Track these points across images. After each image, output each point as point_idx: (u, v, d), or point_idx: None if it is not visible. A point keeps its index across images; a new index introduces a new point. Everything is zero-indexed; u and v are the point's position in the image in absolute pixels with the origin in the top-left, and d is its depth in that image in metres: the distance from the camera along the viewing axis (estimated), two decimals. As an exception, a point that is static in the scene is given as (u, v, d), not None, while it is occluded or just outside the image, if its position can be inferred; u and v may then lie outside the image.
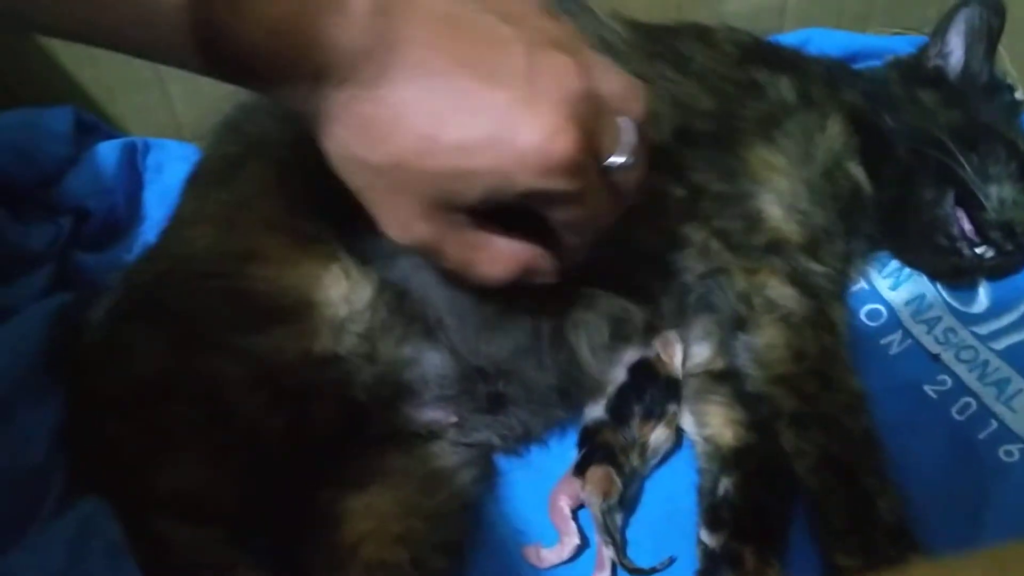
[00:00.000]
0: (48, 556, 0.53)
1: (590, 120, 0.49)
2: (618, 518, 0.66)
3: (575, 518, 0.67)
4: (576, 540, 0.66)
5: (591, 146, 0.49)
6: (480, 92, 0.47)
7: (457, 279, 0.57)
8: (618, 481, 0.66)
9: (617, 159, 0.51)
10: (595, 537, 0.66)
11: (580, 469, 0.68)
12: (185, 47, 0.44)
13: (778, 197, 0.72)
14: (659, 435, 0.70)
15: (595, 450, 0.68)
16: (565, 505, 0.67)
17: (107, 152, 0.84)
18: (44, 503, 0.59)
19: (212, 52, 0.44)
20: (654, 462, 0.71)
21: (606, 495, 0.65)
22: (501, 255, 0.54)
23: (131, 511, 0.56)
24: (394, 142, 0.48)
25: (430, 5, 0.47)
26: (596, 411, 0.70)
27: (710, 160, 0.72)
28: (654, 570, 0.65)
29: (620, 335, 0.70)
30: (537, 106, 0.47)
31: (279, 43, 0.44)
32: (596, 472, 0.66)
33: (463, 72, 0.47)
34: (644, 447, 0.69)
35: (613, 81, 0.52)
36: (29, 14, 0.42)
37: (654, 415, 0.70)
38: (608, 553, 0.65)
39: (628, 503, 0.68)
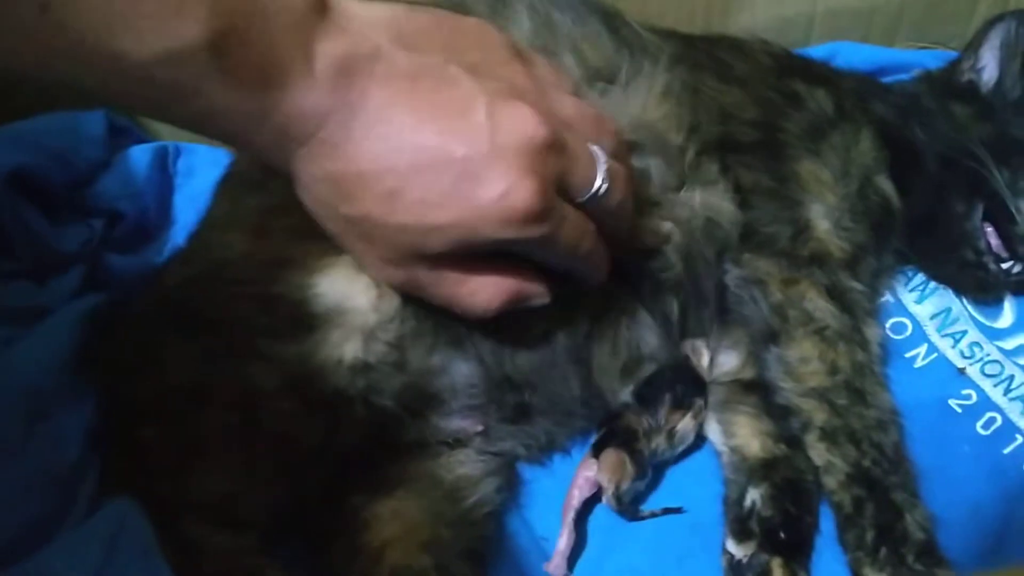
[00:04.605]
0: (84, 554, 0.54)
1: (555, 164, 0.51)
2: (630, 497, 0.67)
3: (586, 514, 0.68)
4: (568, 532, 0.66)
5: (557, 189, 0.52)
6: (440, 148, 0.49)
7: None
8: (631, 467, 0.67)
9: (590, 191, 0.54)
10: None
11: (596, 450, 0.68)
12: (154, 104, 0.46)
13: (827, 211, 0.73)
14: (686, 424, 0.70)
15: (614, 433, 0.69)
16: (577, 492, 0.67)
17: (139, 156, 0.84)
18: (77, 502, 0.59)
19: (184, 110, 0.46)
20: (681, 448, 0.71)
21: (618, 480, 0.66)
22: (483, 288, 0.56)
23: (163, 515, 0.56)
24: (360, 198, 0.50)
25: (393, 62, 0.49)
26: (623, 395, 0.71)
27: (760, 162, 0.73)
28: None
29: (635, 362, 0.71)
30: (496, 161, 0.49)
31: (246, 103, 0.46)
32: (609, 456, 0.67)
33: (423, 129, 0.49)
34: (672, 432, 0.70)
35: (581, 117, 0.55)
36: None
37: (683, 406, 0.70)
38: (564, 543, 0.65)
39: (643, 487, 0.69)
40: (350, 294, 0.60)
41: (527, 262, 0.56)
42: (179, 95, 0.44)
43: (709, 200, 0.69)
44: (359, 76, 0.47)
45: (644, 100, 0.68)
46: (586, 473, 0.67)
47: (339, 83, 0.47)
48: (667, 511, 0.68)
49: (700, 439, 0.73)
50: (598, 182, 0.54)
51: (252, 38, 0.44)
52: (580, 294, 0.63)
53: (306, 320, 0.60)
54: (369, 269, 0.55)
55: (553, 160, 0.51)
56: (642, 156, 0.67)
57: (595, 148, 0.54)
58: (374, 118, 0.48)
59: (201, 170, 0.86)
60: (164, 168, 0.86)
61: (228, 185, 0.71)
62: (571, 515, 0.66)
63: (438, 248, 0.52)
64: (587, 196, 0.54)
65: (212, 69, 0.44)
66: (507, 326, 0.62)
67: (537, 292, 0.58)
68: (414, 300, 0.61)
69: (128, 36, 0.41)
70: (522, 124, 0.50)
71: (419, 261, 0.53)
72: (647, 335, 0.70)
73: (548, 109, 0.52)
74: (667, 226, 0.67)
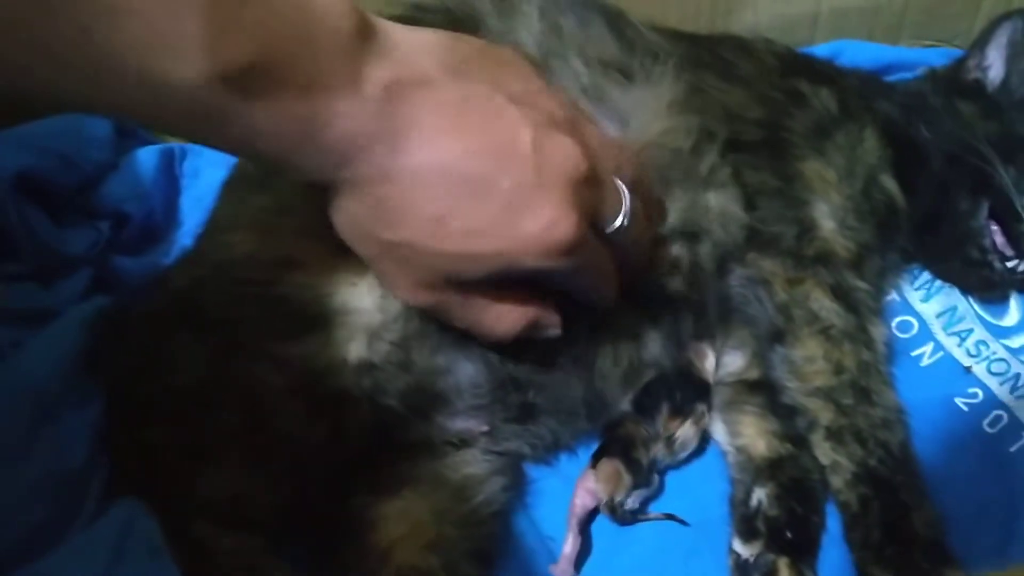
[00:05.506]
0: (91, 557, 0.54)
1: (590, 197, 0.52)
2: (630, 504, 0.67)
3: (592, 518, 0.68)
4: (573, 537, 0.66)
5: (590, 222, 0.52)
6: (487, 178, 0.49)
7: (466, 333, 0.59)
8: (626, 477, 0.67)
9: (616, 223, 0.54)
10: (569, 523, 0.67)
11: (595, 460, 0.68)
12: (195, 128, 0.45)
13: (832, 211, 0.73)
14: (687, 431, 0.70)
15: (612, 442, 0.69)
16: (579, 502, 0.67)
17: (145, 157, 0.85)
18: (85, 504, 0.59)
19: (224, 134, 0.45)
20: (683, 455, 0.71)
21: (611, 492, 0.66)
22: (507, 314, 0.56)
23: (170, 516, 0.56)
24: (404, 223, 0.49)
25: (441, 89, 0.48)
26: (623, 404, 0.71)
27: (765, 161, 0.73)
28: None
29: (636, 369, 0.71)
30: (541, 193, 0.49)
31: (290, 127, 0.45)
32: (605, 467, 0.67)
33: (470, 157, 0.48)
34: (671, 440, 0.69)
35: (604, 147, 0.55)
36: (30, 88, 0.43)
37: (682, 412, 0.70)
38: (569, 548, 0.66)
39: (652, 492, 0.69)
40: (355, 294, 0.60)
41: (544, 291, 0.56)
42: (222, 118, 0.44)
43: (720, 204, 0.69)
44: (407, 101, 0.47)
45: (655, 104, 0.68)
46: (586, 484, 0.67)
47: (387, 107, 0.46)
48: (668, 517, 0.68)
49: (704, 442, 0.73)
50: (622, 216, 0.54)
51: (296, 62, 0.44)
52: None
53: (312, 320, 0.60)
54: (397, 292, 0.55)
55: (589, 193, 0.51)
56: (657, 166, 0.67)
57: (619, 183, 0.55)
58: (421, 143, 0.47)
59: (207, 171, 0.86)
60: (170, 170, 0.86)
61: (233, 186, 0.71)
62: (575, 522, 0.66)
63: (477, 275, 0.52)
64: (612, 229, 0.54)
65: (255, 92, 0.43)
66: None
67: (553, 322, 0.58)
68: None
69: (170, 59, 0.41)
70: (567, 156, 0.50)
71: (452, 287, 0.53)
72: (650, 343, 0.70)
73: (582, 141, 0.52)
74: (676, 250, 0.68)
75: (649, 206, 0.61)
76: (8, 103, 0.79)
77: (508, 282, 0.54)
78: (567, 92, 0.61)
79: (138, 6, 0.39)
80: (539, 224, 0.49)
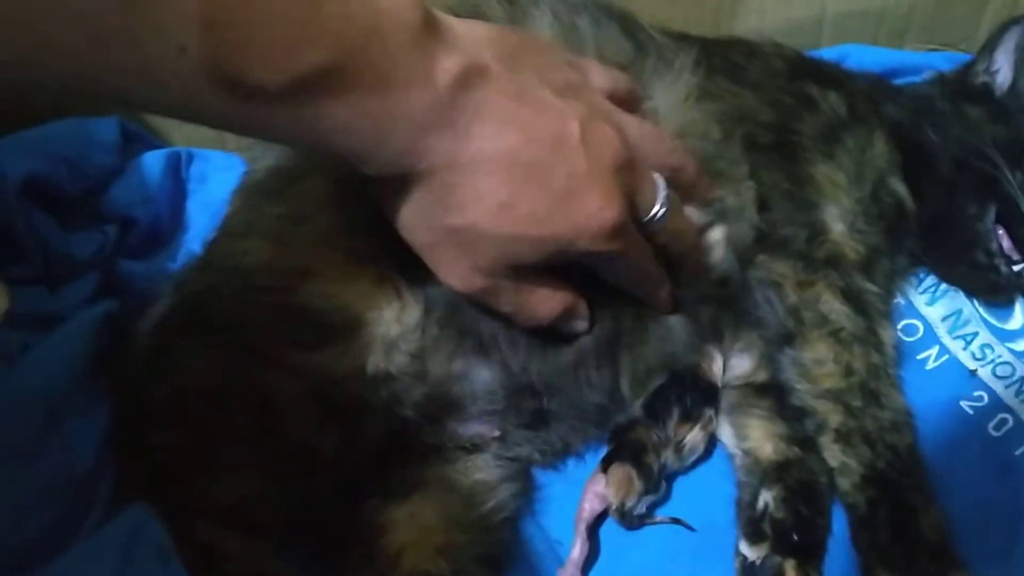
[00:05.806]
0: (99, 561, 0.54)
1: (630, 184, 0.55)
2: (638, 509, 0.67)
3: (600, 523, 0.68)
4: (581, 542, 0.66)
5: (631, 207, 0.55)
6: (545, 167, 0.51)
7: (504, 318, 0.61)
8: (638, 483, 0.67)
9: (652, 212, 0.57)
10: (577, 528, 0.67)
11: (605, 464, 0.68)
12: (277, 131, 0.47)
13: (841, 214, 0.74)
14: (695, 436, 0.70)
15: (623, 447, 0.69)
16: (588, 506, 0.67)
17: (152, 162, 0.84)
18: (93, 509, 0.59)
19: (305, 134, 0.46)
20: (691, 460, 0.71)
21: (623, 497, 0.66)
22: (549, 299, 0.59)
23: (179, 520, 0.56)
24: (470, 209, 0.51)
25: (500, 80, 0.50)
26: (634, 408, 0.71)
27: (776, 164, 0.73)
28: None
29: (661, 366, 0.71)
30: (590, 180, 0.52)
31: (369, 122, 0.47)
32: (617, 472, 0.67)
33: (531, 147, 0.51)
34: (680, 445, 0.70)
35: (647, 139, 0.58)
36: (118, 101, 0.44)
37: (692, 417, 0.70)
38: (577, 552, 0.66)
39: (659, 497, 0.70)
40: (373, 304, 0.60)
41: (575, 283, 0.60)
42: (306, 119, 0.45)
43: (739, 200, 0.70)
44: (472, 91, 0.49)
45: (671, 104, 0.68)
46: (595, 488, 0.68)
47: (456, 97, 0.48)
48: (674, 521, 0.69)
49: (711, 446, 0.73)
50: (658, 205, 0.57)
51: (371, 57, 0.45)
52: (608, 297, 0.64)
53: (328, 330, 0.60)
54: (451, 278, 0.56)
55: (627, 179, 0.54)
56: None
57: (655, 173, 0.57)
58: (486, 133, 0.50)
59: (214, 176, 0.87)
60: (177, 174, 0.86)
61: (246, 193, 0.70)
62: (583, 526, 0.67)
63: (535, 259, 0.54)
64: (647, 218, 0.57)
65: (338, 91, 0.45)
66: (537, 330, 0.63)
67: (584, 313, 0.62)
68: (437, 310, 0.62)
69: (260, 68, 0.42)
70: (610, 143, 0.53)
71: (507, 271, 0.55)
72: (674, 337, 0.70)
73: (621, 129, 0.55)
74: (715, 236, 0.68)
75: (694, 194, 0.63)
76: (13, 107, 0.80)
77: (551, 269, 0.57)
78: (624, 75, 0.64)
79: (231, 20, 0.41)
80: (590, 209, 0.53)
